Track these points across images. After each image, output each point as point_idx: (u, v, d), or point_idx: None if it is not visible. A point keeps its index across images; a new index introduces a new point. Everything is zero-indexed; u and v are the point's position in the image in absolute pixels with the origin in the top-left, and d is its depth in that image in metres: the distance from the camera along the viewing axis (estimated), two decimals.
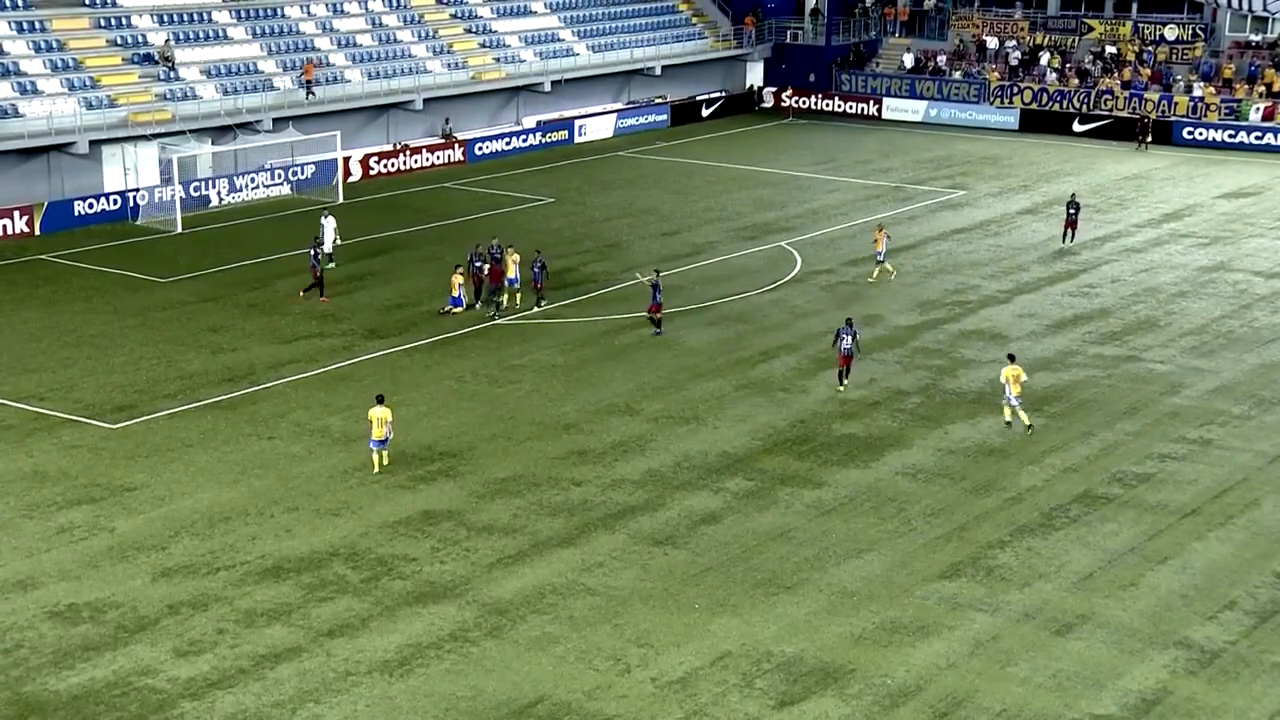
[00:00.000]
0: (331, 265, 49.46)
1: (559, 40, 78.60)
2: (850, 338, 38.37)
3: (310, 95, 64.89)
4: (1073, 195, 55.47)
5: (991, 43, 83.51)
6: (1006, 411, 36.05)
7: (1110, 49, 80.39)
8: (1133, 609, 27.28)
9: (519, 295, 45.68)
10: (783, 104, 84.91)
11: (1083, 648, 25.90)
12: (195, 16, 66.11)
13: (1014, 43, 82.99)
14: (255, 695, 24.19)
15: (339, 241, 51.21)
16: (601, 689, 24.48)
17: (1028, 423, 35.78)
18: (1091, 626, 26.62)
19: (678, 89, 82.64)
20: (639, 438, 35.50)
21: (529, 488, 32.55)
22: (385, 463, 33.55)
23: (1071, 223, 53.73)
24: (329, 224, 50.83)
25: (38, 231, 54.99)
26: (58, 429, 35.81)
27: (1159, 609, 27.31)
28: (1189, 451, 34.93)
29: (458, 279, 44.73)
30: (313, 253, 46.61)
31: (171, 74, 62.14)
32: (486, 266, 45.13)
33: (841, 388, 38.61)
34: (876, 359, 41.32)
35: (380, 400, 33.66)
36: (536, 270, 45.63)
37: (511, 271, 45.48)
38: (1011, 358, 36.85)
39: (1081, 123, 77.10)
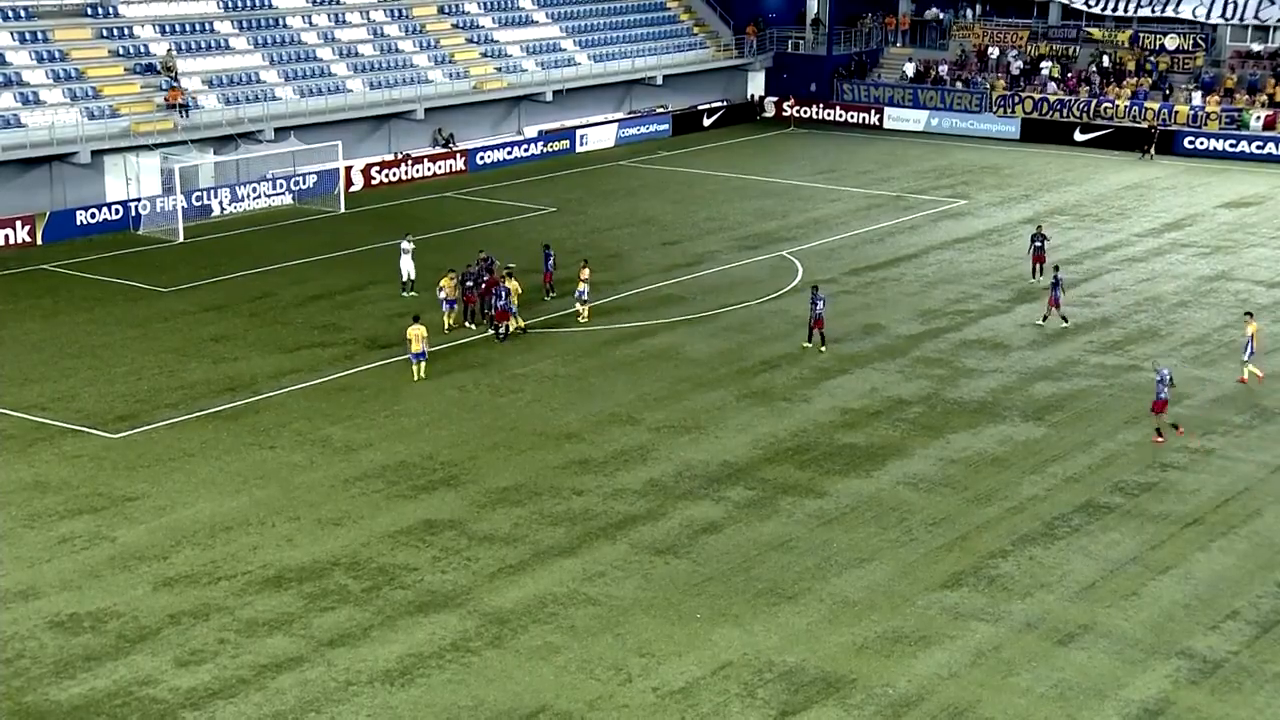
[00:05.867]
0: (413, 294, 47.58)
1: (560, 50, 78.67)
2: (821, 303, 42.44)
3: (180, 117, 60.66)
4: (1038, 227, 52.27)
5: (993, 52, 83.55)
6: (512, 322, 43.21)
7: (1111, 58, 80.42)
8: (1135, 619, 27.26)
9: (515, 319, 44.71)
10: (784, 113, 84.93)
11: (1085, 658, 25.87)
12: (197, 27, 66.18)
13: (1015, 52, 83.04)
14: (256, 705, 24.18)
15: (412, 275, 47.92)
16: (603, 699, 24.47)
17: (521, 324, 43.44)
18: (1093, 636, 26.59)
19: (679, 98, 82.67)
20: (640, 447, 35.49)
21: (530, 497, 32.53)
22: (424, 375, 37.80)
23: (1039, 256, 50.26)
24: (408, 247, 48.09)
25: (39, 241, 55.02)
26: (59, 439, 35.81)
27: (1161, 619, 27.28)
28: (1191, 461, 34.90)
29: (448, 282, 43.93)
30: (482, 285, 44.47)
31: (174, 84, 62.16)
32: (481, 284, 44.43)
33: (807, 345, 42.64)
34: (878, 368, 41.32)
35: (416, 319, 39.29)
36: (547, 264, 48.11)
37: (514, 299, 43.40)
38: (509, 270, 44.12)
39: (1083, 132, 77.11)
